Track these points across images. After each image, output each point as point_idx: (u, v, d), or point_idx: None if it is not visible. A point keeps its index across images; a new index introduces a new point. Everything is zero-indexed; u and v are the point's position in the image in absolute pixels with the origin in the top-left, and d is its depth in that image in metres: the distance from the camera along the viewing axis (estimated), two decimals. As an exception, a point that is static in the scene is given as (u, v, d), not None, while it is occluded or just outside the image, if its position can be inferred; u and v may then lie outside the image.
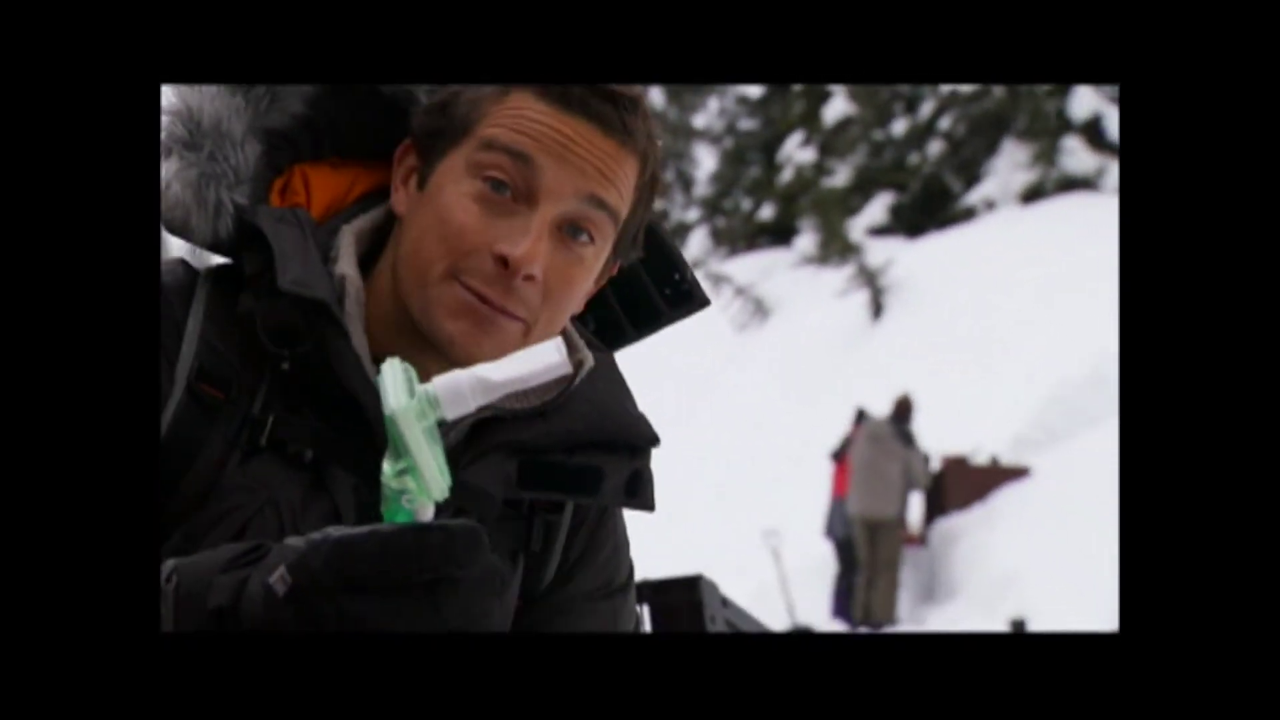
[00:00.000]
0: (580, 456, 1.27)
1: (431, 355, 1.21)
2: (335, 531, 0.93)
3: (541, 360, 1.03)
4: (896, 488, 10.32)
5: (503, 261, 1.18)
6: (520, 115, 1.20)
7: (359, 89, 1.31)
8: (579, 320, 1.37)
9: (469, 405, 1.01)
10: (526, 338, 1.21)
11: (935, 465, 11.28)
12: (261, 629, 0.92)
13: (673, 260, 1.39)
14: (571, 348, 1.31)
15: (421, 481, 0.96)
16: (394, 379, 0.99)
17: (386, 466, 0.98)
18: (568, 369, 1.03)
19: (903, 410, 10.80)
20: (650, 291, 1.40)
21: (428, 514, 0.98)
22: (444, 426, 1.01)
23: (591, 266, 1.25)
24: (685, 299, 1.41)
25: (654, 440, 1.31)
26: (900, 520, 10.46)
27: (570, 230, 1.21)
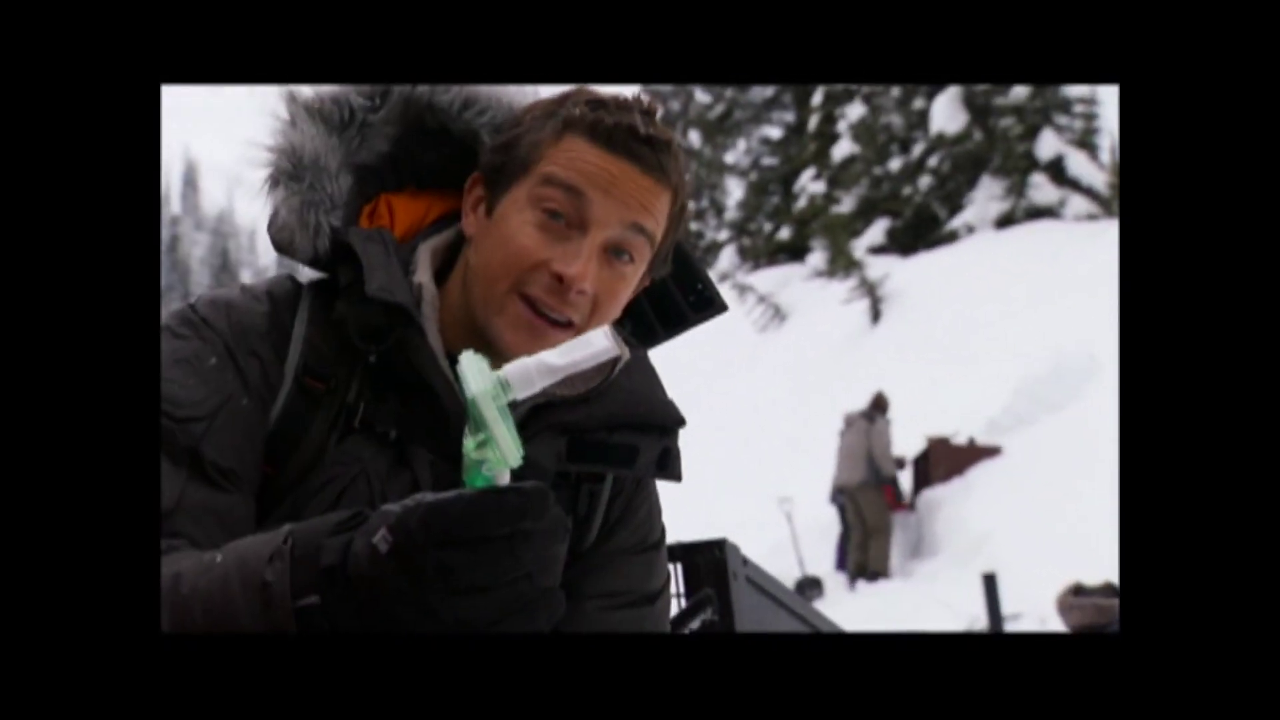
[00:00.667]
0: (619, 435, 1.27)
1: (493, 354, 1.17)
2: (428, 497, 0.91)
3: (595, 345, 1.02)
4: (861, 460, 10.55)
5: (559, 279, 1.18)
6: (573, 156, 1.20)
7: (435, 132, 1.31)
8: (617, 323, 1.35)
9: (535, 386, 1.00)
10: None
11: (921, 445, 11.30)
12: (366, 584, 0.88)
13: (696, 273, 1.40)
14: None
15: (499, 451, 0.95)
16: (472, 366, 0.98)
17: (467, 441, 0.96)
18: (617, 351, 1.02)
19: (878, 403, 10.92)
20: (677, 299, 1.40)
21: (504, 479, 0.97)
22: (513, 405, 0.99)
23: (631, 281, 1.25)
24: (707, 305, 1.41)
25: (681, 421, 1.31)
26: (871, 485, 10.55)
27: (615, 252, 1.21)
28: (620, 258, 1.22)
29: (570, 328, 1.21)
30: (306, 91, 1.26)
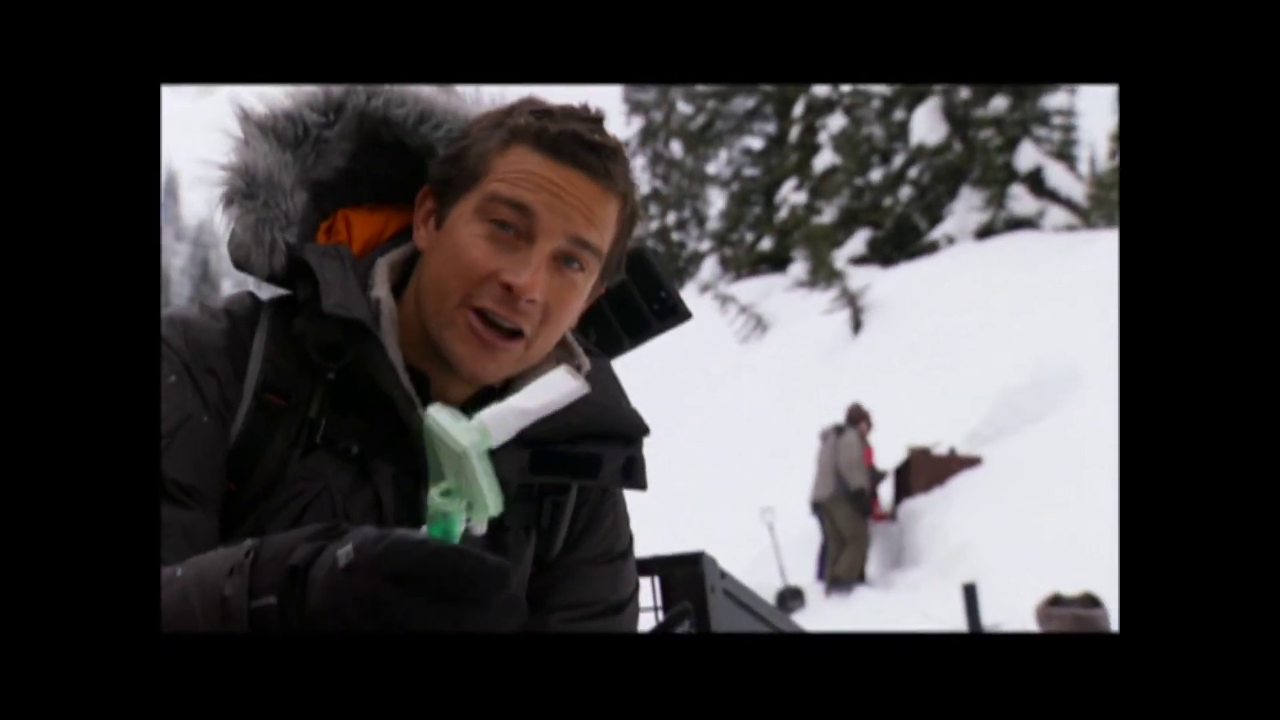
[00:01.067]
0: (582, 446, 1.27)
1: (447, 367, 1.23)
2: (400, 531, 0.93)
3: (564, 387, 1.06)
4: (830, 473, 10.59)
5: (508, 288, 1.20)
6: (520, 167, 1.21)
7: (391, 146, 1.32)
8: (581, 332, 1.38)
9: (511, 431, 1.03)
10: (527, 350, 1.24)
11: (903, 455, 11.32)
12: (318, 590, 0.91)
13: (659, 281, 1.42)
14: (571, 354, 1.33)
15: (481, 502, 0.97)
16: (447, 418, 1.00)
17: (432, 490, 0.98)
18: (585, 389, 1.05)
19: (853, 416, 10.96)
20: (641, 306, 1.42)
21: (480, 529, 0.99)
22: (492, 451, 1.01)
23: (583, 289, 1.26)
24: (670, 312, 1.43)
25: (645, 430, 1.32)
26: (842, 497, 10.56)
27: (564, 260, 1.22)
28: (570, 265, 1.23)
29: (520, 337, 1.22)
30: (259, 109, 1.27)
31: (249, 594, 0.92)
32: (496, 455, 1.18)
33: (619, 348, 1.45)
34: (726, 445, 15.18)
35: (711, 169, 28.88)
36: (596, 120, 1.24)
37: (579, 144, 1.21)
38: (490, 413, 1.02)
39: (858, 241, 21.75)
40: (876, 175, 22.34)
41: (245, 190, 1.26)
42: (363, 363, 1.22)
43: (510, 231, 1.21)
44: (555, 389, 1.06)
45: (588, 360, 1.34)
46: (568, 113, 1.23)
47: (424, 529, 0.99)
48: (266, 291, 1.31)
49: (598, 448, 1.28)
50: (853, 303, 18.16)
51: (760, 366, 18.41)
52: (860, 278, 18.89)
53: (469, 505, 0.99)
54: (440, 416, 1.01)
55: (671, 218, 29.01)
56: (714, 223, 28.32)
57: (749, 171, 27.65)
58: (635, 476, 1.31)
